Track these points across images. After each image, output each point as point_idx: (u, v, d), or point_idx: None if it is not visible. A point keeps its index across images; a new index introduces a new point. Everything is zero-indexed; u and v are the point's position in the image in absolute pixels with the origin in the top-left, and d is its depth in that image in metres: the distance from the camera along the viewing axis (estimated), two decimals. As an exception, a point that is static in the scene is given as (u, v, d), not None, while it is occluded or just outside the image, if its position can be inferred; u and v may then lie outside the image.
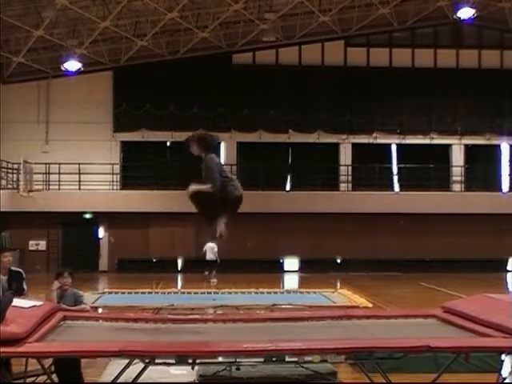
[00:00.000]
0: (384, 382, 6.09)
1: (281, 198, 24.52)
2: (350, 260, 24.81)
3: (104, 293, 17.30)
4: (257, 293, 17.01)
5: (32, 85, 25.49)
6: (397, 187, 26.10)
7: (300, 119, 25.89)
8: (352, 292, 17.00)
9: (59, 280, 7.45)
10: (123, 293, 17.37)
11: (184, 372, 7.37)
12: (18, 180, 23.23)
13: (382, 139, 26.51)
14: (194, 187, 6.33)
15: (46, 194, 23.49)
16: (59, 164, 24.47)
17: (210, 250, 20.58)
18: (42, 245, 24.83)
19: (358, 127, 26.13)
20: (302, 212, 24.15)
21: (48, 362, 6.26)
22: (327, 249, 24.67)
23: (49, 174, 24.74)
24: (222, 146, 26.20)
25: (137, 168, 25.73)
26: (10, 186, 23.87)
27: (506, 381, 7.00)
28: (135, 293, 17.27)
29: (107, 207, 23.79)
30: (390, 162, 26.64)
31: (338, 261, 25.23)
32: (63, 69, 23.89)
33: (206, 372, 7.39)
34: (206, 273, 20.66)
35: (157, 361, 5.60)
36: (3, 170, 23.78)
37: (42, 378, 6.42)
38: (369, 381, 6.09)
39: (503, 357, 6.56)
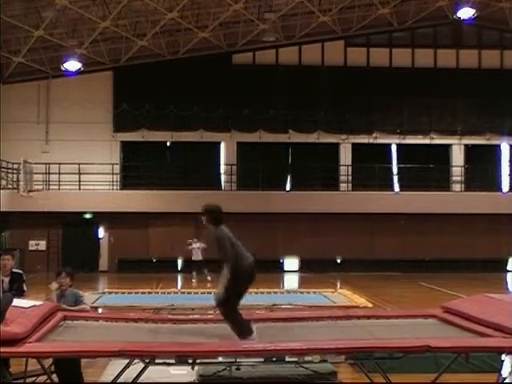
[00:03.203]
0: (384, 382, 6.10)
1: (281, 198, 24.51)
2: (350, 260, 24.79)
3: (104, 293, 17.30)
4: (257, 293, 16.98)
5: (32, 85, 25.50)
6: (397, 187, 26.10)
7: (300, 119, 25.86)
8: (352, 292, 17.00)
9: (57, 280, 7.46)
10: (123, 293, 17.37)
11: (184, 372, 7.37)
12: (18, 180, 23.22)
13: (381, 139, 26.50)
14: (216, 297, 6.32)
15: (46, 193, 23.46)
16: (59, 164, 24.47)
17: (197, 250, 20.32)
18: (42, 245, 24.82)
19: (358, 127, 26.11)
20: (302, 212, 24.15)
21: (48, 362, 6.26)
22: (327, 249, 24.65)
23: (49, 174, 24.74)
24: (222, 146, 26.26)
25: (137, 168, 25.72)
26: (10, 186, 23.88)
27: (506, 381, 7.01)
28: (135, 293, 17.27)
29: (107, 207, 23.79)
30: (390, 162, 26.64)
31: (338, 261, 25.22)
32: (63, 69, 23.91)
33: (206, 372, 7.38)
34: (195, 273, 20.41)
35: (157, 361, 5.60)
36: (3, 170, 23.79)
37: (42, 378, 6.42)
38: (369, 381, 6.09)
39: (503, 357, 6.56)
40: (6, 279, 7.41)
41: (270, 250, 24.43)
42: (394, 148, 26.76)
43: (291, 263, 25.30)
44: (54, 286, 7.41)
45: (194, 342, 5.91)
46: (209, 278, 19.50)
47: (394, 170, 26.55)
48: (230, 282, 6.18)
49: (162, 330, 6.60)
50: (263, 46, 25.77)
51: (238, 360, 6.51)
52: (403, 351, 5.82)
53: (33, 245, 24.70)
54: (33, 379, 6.61)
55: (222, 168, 26.09)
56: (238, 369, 7.24)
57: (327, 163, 26.51)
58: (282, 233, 24.86)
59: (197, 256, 20.35)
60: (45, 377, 6.08)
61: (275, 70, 26.36)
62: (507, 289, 20.86)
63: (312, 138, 26.23)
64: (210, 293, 16.95)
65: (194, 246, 20.37)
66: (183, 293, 17.37)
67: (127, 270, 24.30)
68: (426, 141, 26.69)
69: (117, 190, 25.23)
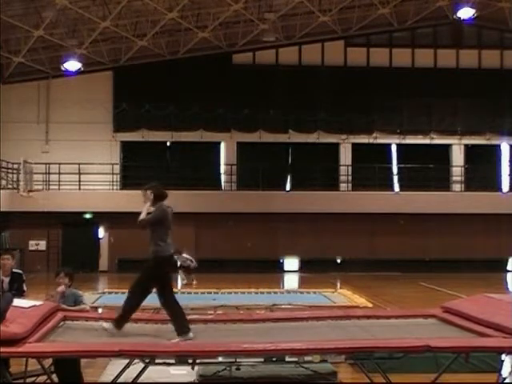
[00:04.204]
0: (384, 382, 6.10)
1: (281, 198, 24.50)
2: (350, 260, 24.79)
3: (104, 293, 17.28)
4: (257, 293, 16.99)
5: (32, 85, 25.49)
6: (397, 187, 26.10)
7: (300, 119, 25.86)
8: (352, 292, 16.98)
9: (56, 280, 7.48)
10: (123, 293, 17.24)
11: (184, 372, 7.37)
12: (18, 180, 23.23)
13: (381, 139, 26.50)
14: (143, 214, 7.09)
15: (46, 193, 23.47)
16: (59, 164, 24.46)
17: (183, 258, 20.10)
18: (42, 245, 24.81)
19: (358, 127, 26.10)
20: (302, 212, 24.14)
21: (48, 362, 6.26)
22: (327, 249, 24.64)
23: (49, 174, 24.73)
24: (222, 146, 26.26)
25: (137, 168, 25.69)
26: (10, 186, 23.87)
27: (506, 381, 7.01)
28: (135, 293, 17.21)
29: (107, 207, 23.76)
30: (390, 162, 26.64)
31: (338, 261, 25.22)
32: (63, 69, 23.89)
33: (206, 372, 7.38)
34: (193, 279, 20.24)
35: (157, 361, 5.61)
36: (3, 169, 23.78)
37: (42, 378, 6.42)
38: (369, 381, 6.09)
39: (503, 357, 6.56)
40: (6, 279, 7.41)
41: (270, 249, 24.45)
42: (394, 148, 26.75)
43: (291, 263, 25.29)
44: (62, 288, 7.43)
45: (194, 342, 5.91)
46: (194, 281, 19.38)
47: (394, 170, 26.55)
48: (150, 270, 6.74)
49: (163, 330, 6.60)
50: (263, 46, 25.76)
51: (238, 360, 6.51)
52: (403, 351, 5.82)
53: (33, 245, 24.68)
54: (33, 379, 6.61)
55: (222, 168, 26.07)
56: (238, 369, 7.24)
57: (327, 163, 26.51)
58: (282, 233, 24.85)
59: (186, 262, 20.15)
60: (45, 377, 6.08)
61: (275, 69, 26.35)
62: (507, 289, 20.86)
63: (312, 138, 26.23)
64: (209, 293, 17.04)
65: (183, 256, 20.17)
66: (183, 293, 17.35)
67: (127, 269, 24.17)
68: (426, 141, 26.68)
69: (117, 190, 25.22)
